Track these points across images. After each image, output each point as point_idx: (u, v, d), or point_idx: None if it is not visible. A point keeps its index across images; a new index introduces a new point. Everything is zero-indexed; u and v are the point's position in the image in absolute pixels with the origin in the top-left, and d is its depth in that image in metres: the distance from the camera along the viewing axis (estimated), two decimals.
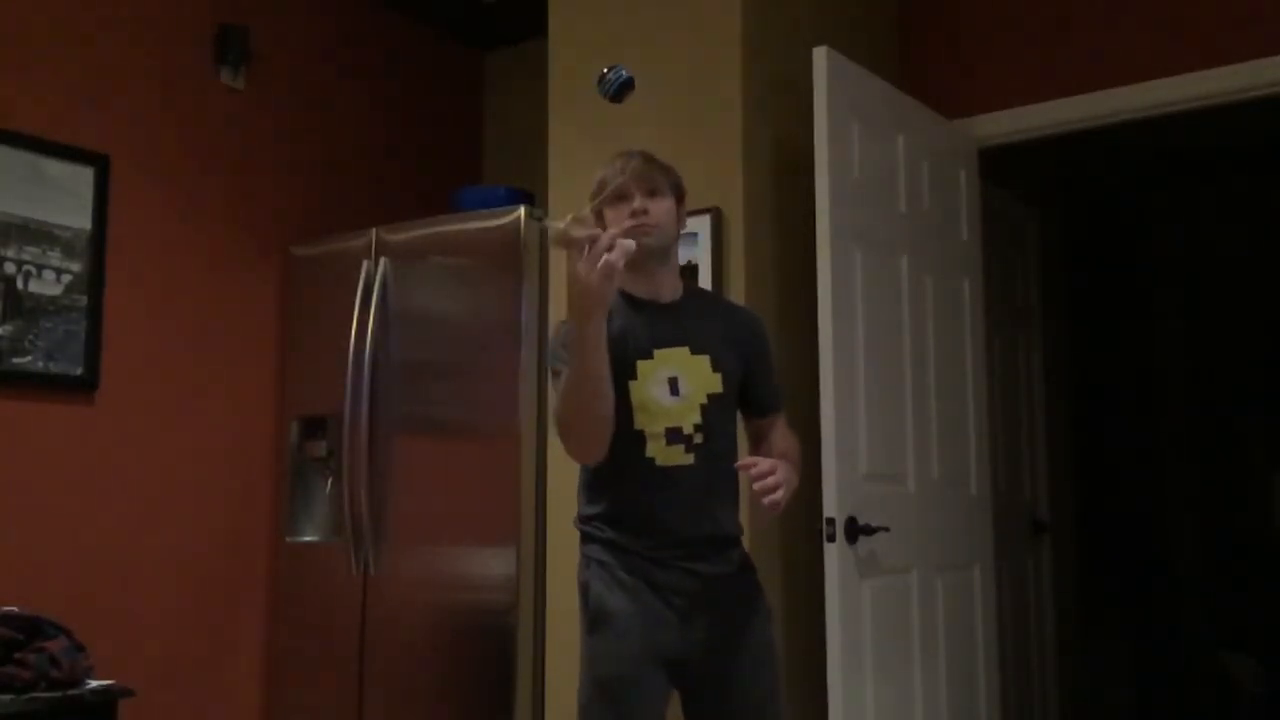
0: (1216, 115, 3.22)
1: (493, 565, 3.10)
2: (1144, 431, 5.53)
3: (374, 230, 3.47)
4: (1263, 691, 4.88)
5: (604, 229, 1.95)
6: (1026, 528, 4.13)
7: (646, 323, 2.04)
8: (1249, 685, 4.93)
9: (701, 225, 2.84)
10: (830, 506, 2.60)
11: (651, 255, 2.02)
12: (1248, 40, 3.03)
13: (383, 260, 3.41)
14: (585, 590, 2.05)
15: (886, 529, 2.71)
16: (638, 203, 2.01)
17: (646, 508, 2.00)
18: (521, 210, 3.16)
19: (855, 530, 2.63)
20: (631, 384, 2.00)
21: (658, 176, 2.06)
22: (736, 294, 2.82)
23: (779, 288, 2.94)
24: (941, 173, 3.24)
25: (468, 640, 3.14)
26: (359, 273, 3.42)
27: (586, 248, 1.72)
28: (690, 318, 2.08)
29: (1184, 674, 5.21)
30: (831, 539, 2.59)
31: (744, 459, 1.97)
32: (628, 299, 2.06)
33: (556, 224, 1.75)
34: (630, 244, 1.75)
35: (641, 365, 2.01)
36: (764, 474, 1.88)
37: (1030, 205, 4.39)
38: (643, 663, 1.97)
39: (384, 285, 3.39)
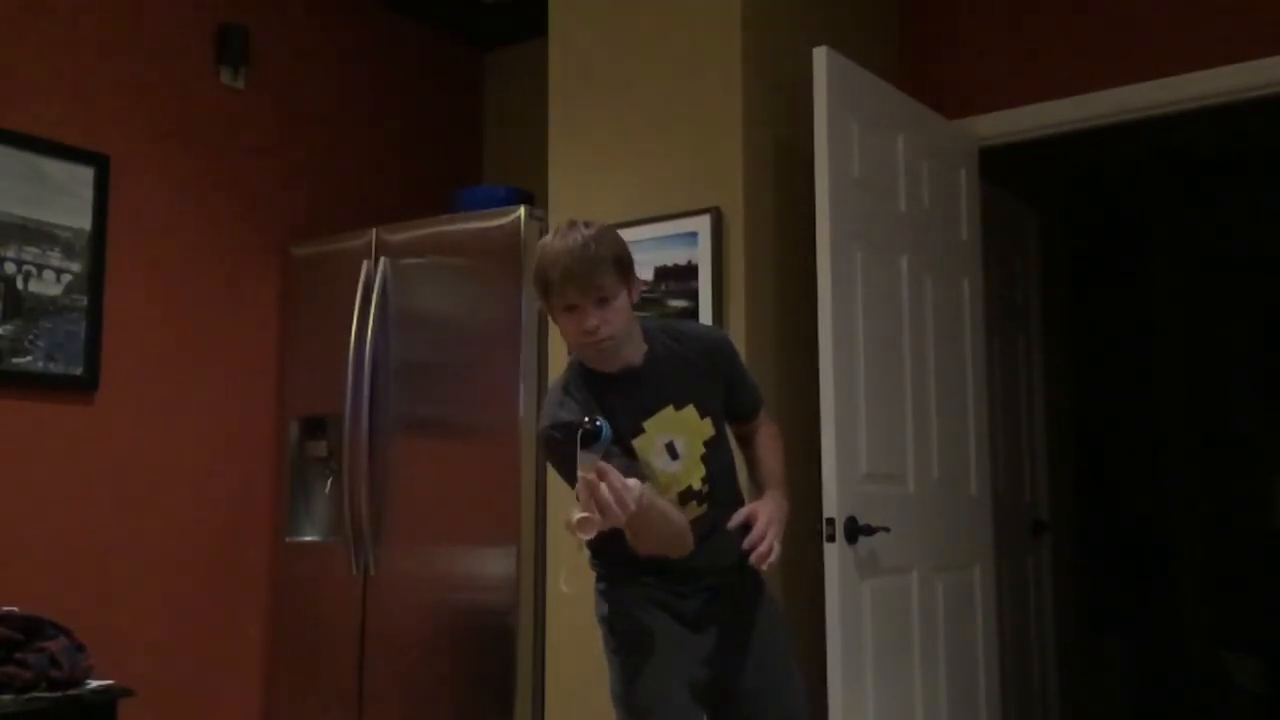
0: (1217, 115, 3.21)
1: (493, 565, 3.10)
2: (1144, 431, 5.52)
3: (374, 230, 3.47)
4: (1263, 691, 4.88)
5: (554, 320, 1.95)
6: (1026, 528, 4.13)
7: (626, 398, 1.96)
8: (1249, 685, 4.93)
9: (701, 225, 2.84)
10: (830, 507, 2.60)
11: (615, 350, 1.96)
12: (1248, 40, 3.03)
13: (383, 260, 3.41)
14: (606, 621, 2.06)
15: (886, 529, 2.70)
16: (590, 322, 1.87)
17: (666, 561, 2.00)
18: (521, 210, 3.16)
19: (855, 530, 2.63)
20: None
21: (604, 279, 1.86)
22: (736, 294, 2.82)
23: (779, 288, 2.94)
24: (941, 172, 3.24)
25: (468, 640, 3.14)
26: (359, 273, 3.42)
27: (596, 512, 1.64)
28: (663, 373, 2.01)
29: (1184, 674, 5.21)
30: (831, 539, 2.59)
31: (736, 519, 1.98)
32: (605, 378, 1.98)
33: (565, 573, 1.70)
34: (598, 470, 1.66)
35: (638, 442, 1.97)
36: (756, 541, 1.92)
37: (1030, 205, 4.38)
38: (673, 682, 1.98)
39: (384, 285, 3.39)
